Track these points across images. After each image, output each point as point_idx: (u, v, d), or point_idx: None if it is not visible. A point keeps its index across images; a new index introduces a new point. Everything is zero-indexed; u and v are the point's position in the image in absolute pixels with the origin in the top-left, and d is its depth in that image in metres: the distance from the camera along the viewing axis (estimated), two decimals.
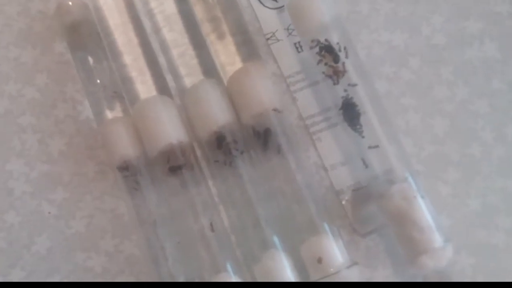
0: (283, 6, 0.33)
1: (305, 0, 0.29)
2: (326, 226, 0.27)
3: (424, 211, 0.26)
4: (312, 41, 0.29)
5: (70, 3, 0.32)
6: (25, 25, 0.33)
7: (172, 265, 0.28)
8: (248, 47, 0.31)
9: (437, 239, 0.26)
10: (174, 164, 0.29)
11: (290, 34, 0.32)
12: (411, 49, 0.32)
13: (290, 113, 0.31)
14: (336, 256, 0.27)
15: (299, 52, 0.32)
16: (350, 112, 0.28)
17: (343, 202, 0.30)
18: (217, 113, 0.29)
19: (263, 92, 0.29)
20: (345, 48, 0.28)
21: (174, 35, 0.32)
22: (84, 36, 0.31)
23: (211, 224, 0.28)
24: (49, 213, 0.30)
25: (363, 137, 0.28)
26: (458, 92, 0.31)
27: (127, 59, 0.31)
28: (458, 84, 0.31)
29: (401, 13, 0.32)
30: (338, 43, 0.29)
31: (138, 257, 0.29)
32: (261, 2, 0.33)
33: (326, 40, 0.29)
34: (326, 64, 0.29)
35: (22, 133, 0.31)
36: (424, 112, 0.31)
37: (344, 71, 0.29)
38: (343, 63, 0.28)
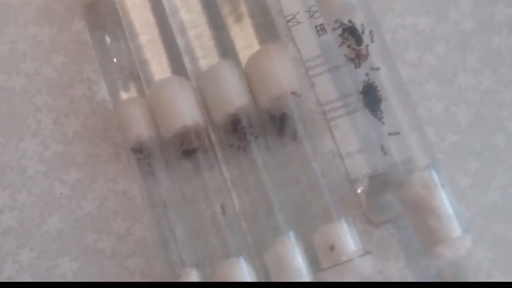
0: None
1: None
2: (339, 214, 0.27)
3: (444, 200, 0.25)
4: (336, 21, 0.28)
5: None
6: (43, 3, 0.33)
7: (182, 249, 0.28)
8: (268, 29, 0.30)
9: (456, 229, 0.25)
10: (188, 147, 0.28)
11: (311, 16, 0.31)
12: (437, 34, 0.31)
13: (308, 98, 0.30)
14: (349, 244, 0.26)
15: (320, 35, 0.31)
16: (371, 97, 0.27)
17: (358, 191, 0.29)
18: (233, 96, 0.28)
19: (282, 75, 0.28)
20: (370, 32, 0.27)
21: (192, 15, 0.31)
22: (103, 15, 0.31)
23: (222, 207, 0.27)
24: (61, 193, 0.30)
25: (383, 123, 0.27)
26: (483, 80, 0.30)
27: (144, 39, 0.31)
28: (484, 72, 0.30)
29: None
30: (362, 25, 0.28)
31: (149, 240, 0.29)
32: None
33: (349, 21, 0.28)
34: (349, 46, 0.28)
35: (37, 112, 0.31)
36: (447, 100, 0.30)
37: (367, 54, 0.28)
38: (366, 46, 0.27)
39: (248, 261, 0.27)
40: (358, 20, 0.27)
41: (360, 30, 0.27)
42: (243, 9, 0.30)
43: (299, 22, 0.32)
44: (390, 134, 0.27)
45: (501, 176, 0.29)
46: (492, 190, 0.29)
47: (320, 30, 0.31)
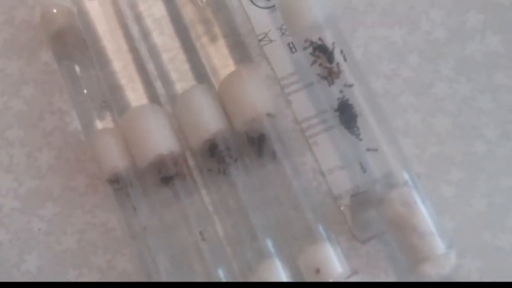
0: (274, 5, 0.31)
1: None
2: (324, 234, 0.26)
3: (425, 217, 0.25)
4: (305, 41, 0.28)
5: (55, 10, 0.31)
6: (10, 35, 0.32)
7: (165, 279, 0.27)
8: (241, 49, 0.30)
9: (439, 246, 0.25)
10: (165, 174, 0.28)
11: (283, 34, 0.31)
12: (409, 45, 0.31)
13: (285, 117, 0.30)
14: (335, 266, 0.26)
15: (293, 52, 0.31)
16: (346, 114, 0.27)
17: (342, 208, 0.29)
18: (208, 121, 0.28)
19: (256, 97, 0.28)
20: (341, 52, 0.27)
21: (164, 39, 0.31)
22: (70, 45, 0.30)
23: (200, 233, 0.27)
24: (39, 229, 0.29)
25: (360, 139, 0.27)
26: (459, 89, 0.30)
27: (116, 66, 0.30)
28: (460, 80, 0.30)
29: (398, 7, 0.31)
30: (333, 43, 0.27)
31: (131, 273, 0.29)
32: (252, 2, 0.32)
33: (319, 39, 0.28)
34: (320, 64, 0.28)
35: (9, 147, 0.30)
36: (424, 111, 0.30)
37: (339, 72, 0.27)
38: (338, 63, 0.27)
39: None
40: (329, 38, 0.27)
41: (330, 48, 0.27)
42: (216, 30, 0.30)
43: (271, 41, 0.31)
44: (368, 150, 0.27)
45: (484, 184, 0.29)
46: (477, 199, 0.29)
47: (292, 47, 0.31)
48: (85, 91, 0.29)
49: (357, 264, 0.27)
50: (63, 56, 0.30)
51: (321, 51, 0.27)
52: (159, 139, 0.28)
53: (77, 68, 0.30)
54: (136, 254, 0.28)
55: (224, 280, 0.27)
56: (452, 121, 0.30)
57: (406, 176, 0.26)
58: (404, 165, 0.26)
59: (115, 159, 0.28)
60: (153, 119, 0.28)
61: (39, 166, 0.30)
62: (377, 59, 0.30)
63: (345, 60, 0.27)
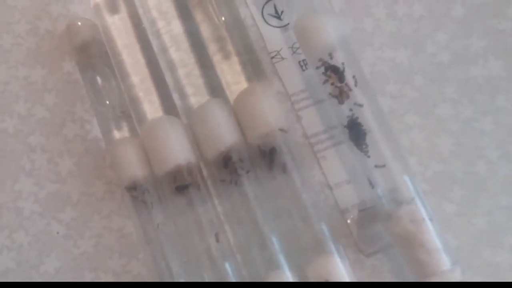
0: (287, 24, 0.33)
1: (312, 21, 0.29)
2: (332, 246, 0.28)
3: (432, 234, 0.26)
4: (319, 60, 0.29)
5: (80, 23, 0.32)
6: (34, 44, 0.33)
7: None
8: (254, 66, 0.31)
9: (445, 262, 0.26)
10: (181, 183, 0.29)
11: (294, 52, 0.33)
12: (415, 67, 0.32)
13: (295, 132, 0.31)
14: (343, 278, 0.27)
15: (303, 70, 0.32)
16: (355, 132, 0.29)
17: (348, 221, 0.30)
18: (224, 134, 0.29)
19: (269, 113, 0.29)
20: (354, 77, 0.28)
21: (181, 54, 0.32)
22: (93, 56, 0.32)
23: (216, 235, 0.28)
24: (58, 233, 0.30)
25: (368, 156, 0.28)
26: (462, 110, 0.31)
27: (134, 79, 0.31)
28: (463, 102, 0.32)
29: (405, 30, 0.33)
30: (343, 64, 0.29)
31: (146, 277, 0.30)
32: (265, 21, 0.33)
33: (329, 55, 0.29)
34: (332, 84, 0.29)
35: (31, 152, 0.32)
36: (428, 131, 0.31)
37: (349, 91, 0.29)
38: (347, 84, 0.29)
39: None
40: (339, 58, 0.29)
41: (341, 68, 0.29)
42: (230, 47, 0.31)
43: (283, 58, 0.33)
44: (376, 166, 0.28)
45: (485, 202, 0.30)
46: (478, 217, 0.30)
47: (303, 65, 0.32)
48: (107, 102, 0.31)
49: (362, 277, 0.28)
50: (87, 67, 0.31)
51: (333, 71, 0.29)
52: (177, 150, 0.29)
53: (98, 79, 0.31)
54: (151, 259, 0.29)
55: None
56: (455, 141, 0.31)
57: (413, 192, 0.27)
58: (411, 182, 0.28)
59: (134, 168, 0.29)
60: (171, 130, 0.29)
61: (59, 171, 0.31)
62: (384, 79, 0.32)
63: (355, 85, 0.28)
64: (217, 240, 0.28)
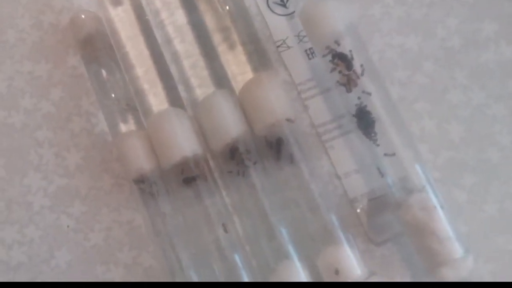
0: (293, 12, 0.32)
1: (318, 8, 0.29)
2: (341, 236, 0.27)
3: (444, 222, 0.26)
4: (326, 47, 0.29)
5: (83, 16, 0.32)
6: (38, 38, 0.33)
7: (188, 276, 0.28)
8: (259, 56, 0.31)
9: (458, 250, 0.26)
10: (188, 175, 0.29)
11: (300, 41, 0.32)
12: (425, 52, 0.31)
13: (302, 121, 0.31)
14: (354, 267, 0.27)
15: (310, 59, 0.32)
16: (364, 120, 0.28)
17: (358, 211, 0.30)
18: (230, 125, 0.29)
19: (276, 103, 0.29)
20: (361, 66, 0.28)
21: (186, 46, 0.32)
22: (98, 49, 0.31)
23: (223, 225, 0.28)
24: (68, 226, 0.31)
25: (377, 145, 0.28)
26: (473, 96, 0.31)
27: (139, 71, 0.31)
28: (474, 88, 0.31)
29: (414, 15, 0.32)
30: (350, 51, 0.28)
31: (156, 269, 0.30)
32: (270, 9, 0.33)
33: (336, 42, 0.28)
34: (340, 72, 0.28)
35: (38, 147, 0.32)
36: (439, 118, 0.31)
37: (357, 79, 0.28)
38: (355, 72, 0.28)
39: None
40: (346, 45, 0.28)
41: (349, 56, 0.28)
42: (235, 37, 0.31)
43: (289, 47, 0.32)
44: (385, 155, 0.27)
45: (496, 190, 0.29)
46: (489, 204, 0.29)
47: (310, 54, 0.32)
48: (112, 95, 0.31)
49: (373, 266, 0.28)
50: (91, 60, 0.31)
51: (340, 59, 0.28)
52: (184, 142, 0.29)
53: (104, 72, 0.31)
54: (160, 252, 0.29)
55: (244, 278, 0.28)
56: (466, 127, 0.30)
57: (423, 180, 0.27)
58: (422, 171, 0.27)
59: (141, 161, 0.29)
60: (177, 122, 0.29)
61: (67, 166, 0.31)
62: (392, 66, 0.31)
63: (363, 73, 0.28)
64: (225, 231, 0.28)
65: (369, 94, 0.28)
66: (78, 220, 0.31)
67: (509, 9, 0.31)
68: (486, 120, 0.30)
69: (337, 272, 0.26)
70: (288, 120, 0.29)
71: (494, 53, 0.31)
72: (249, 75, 0.30)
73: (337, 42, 0.28)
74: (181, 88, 0.31)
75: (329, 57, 0.29)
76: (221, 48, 0.31)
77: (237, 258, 0.28)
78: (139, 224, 0.30)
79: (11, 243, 0.31)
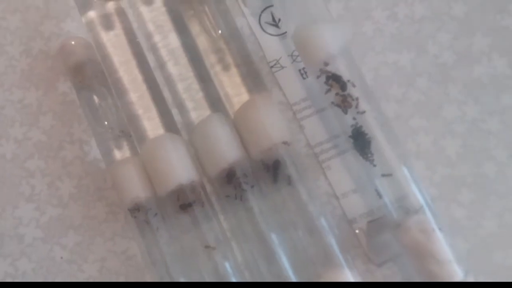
0: (285, 32, 0.32)
1: (311, 31, 0.28)
2: (341, 258, 0.27)
3: (443, 244, 0.26)
4: (319, 70, 0.28)
5: (73, 42, 0.31)
6: (28, 66, 0.33)
7: None
8: (253, 77, 0.30)
9: (457, 272, 0.26)
10: (184, 202, 0.28)
11: (294, 60, 0.32)
12: (418, 69, 0.31)
13: (298, 142, 0.31)
14: None
15: (304, 78, 0.32)
16: (360, 141, 0.28)
17: (357, 231, 0.29)
18: (226, 150, 0.28)
19: (272, 127, 0.28)
20: (349, 80, 0.28)
21: (179, 69, 0.31)
22: (89, 76, 0.31)
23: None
24: (61, 258, 0.30)
25: (374, 165, 0.28)
26: (468, 111, 0.31)
27: (133, 96, 0.31)
28: (468, 103, 0.31)
29: (406, 32, 0.32)
30: (344, 72, 0.28)
31: None
32: (263, 30, 0.33)
33: (325, 64, 0.28)
34: (337, 94, 0.28)
35: (30, 177, 0.31)
36: (435, 134, 0.30)
37: (352, 100, 0.28)
38: (350, 94, 0.28)
39: None
40: (340, 66, 0.28)
41: (343, 77, 0.28)
42: (228, 58, 0.31)
43: (282, 67, 0.32)
44: (383, 175, 0.27)
45: (495, 205, 0.29)
46: (488, 220, 0.29)
47: (304, 73, 0.32)
48: (106, 122, 0.30)
49: None
50: (82, 87, 0.31)
51: (334, 80, 0.28)
52: (179, 169, 0.28)
53: (95, 99, 0.31)
54: (157, 280, 0.28)
55: None
56: (462, 143, 0.30)
57: (421, 200, 0.27)
58: (419, 190, 0.27)
59: (136, 189, 0.28)
60: (172, 149, 0.29)
61: (60, 195, 0.31)
62: (387, 83, 0.31)
63: (358, 93, 0.28)
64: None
65: (363, 112, 0.27)
66: (72, 251, 0.30)
67: (500, 22, 0.31)
68: (482, 135, 0.30)
69: None
70: (284, 143, 0.28)
71: (487, 66, 0.31)
72: (244, 96, 0.30)
73: (330, 64, 0.28)
74: (175, 112, 0.31)
75: (323, 79, 0.28)
76: (215, 70, 0.31)
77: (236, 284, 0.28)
78: (134, 253, 0.30)
79: (3, 277, 0.30)
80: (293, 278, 0.27)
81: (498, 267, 0.29)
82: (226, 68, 0.31)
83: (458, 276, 0.25)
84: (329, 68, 0.28)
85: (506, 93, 0.31)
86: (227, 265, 0.28)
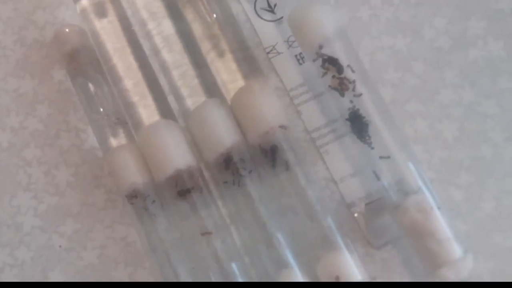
0: (281, 18, 0.32)
1: (305, 13, 0.28)
2: (340, 241, 0.27)
3: (441, 223, 0.26)
4: (316, 53, 0.28)
5: (67, 30, 0.31)
6: (22, 55, 0.33)
7: None
8: (249, 63, 0.30)
9: (457, 250, 0.26)
10: (182, 188, 0.28)
11: (290, 46, 0.32)
12: (414, 53, 0.31)
13: (295, 127, 0.31)
14: (354, 273, 0.26)
15: (300, 64, 0.32)
16: (357, 124, 0.28)
17: (355, 215, 0.29)
18: (223, 135, 0.28)
19: (268, 110, 0.28)
20: (348, 65, 0.28)
21: (174, 55, 0.31)
22: (84, 63, 0.31)
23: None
24: (60, 246, 0.30)
25: (372, 148, 0.28)
26: (464, 95, 0.31)
27: (128, 83, 0.31)
28: (464, 86, 0.31)
29: (402, 17, 0.32)
30: (340, 54, 0.28)
31: None
32: (259, 15, 0.33)
33: (320, 46, 0.28)
34: (334, 76, 0.28)
35: (27, 166, 0.31)
36: (431, 118, 0.31)
37: (349, 82, 0.28)
38: (346, 75, 0.28)
39: None
40: (336, 49, 0.28)
41: (339, 59, 0.28)
42: (224, 45, 0.31)
43: (279, 53, 0.32)
44: (380, 157, 0.27)
45: (492, 187, 0.29)
46: (486, 202, 0.29)
47: (300, 59, 0.32)
48: (101, 109, 0.30)
49: (373, 270, 0.28)
50: (77, 74, 0.31)
51: (331, 63, 0.28)
52: (176, 155, 0.28)
53: (91, 86, 0.31)
54: (157, 267, 0.28)
55: None
56: (459, 126, 0.30)
57: (419, 181, 0.27)
58: (418, 172, 0.27)
59: (133, 175, 0.28)
60: (169, 135, 0.29)
61: (57, 183, 0.31)
62: (383, 68, 0.31)
63: (353, 71, 0.28)
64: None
65: (360, 95, 0.27)
66: (71, 239, 0.30)
67: (495, 5, 0.32)
68: (478, 118, 0.30)
69: (337, 279, 0.26)
70: (281, 127, 0.28)
71: (482, 50, 0.31)
72: (240, 82, 0.30)
73: (326, 47, 0.28)
74: (171, 99, 0.31)
75: (320, 62, 0.28)
76: (211, 57, 0.31)
77: (236, 269, 0.28)
78: (134, 240, 0.30)
79: (2, 266, 0.30)
80: (293, 263, 0.27)
81: (497, 249, 0.29)
82: (221, 54, 0.31)
83: (457, 253, 0.26)
84: (325, 51, 0.28)
85: (502, 76, 0.31)
86: (226, 250, 0.28)
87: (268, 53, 0.32)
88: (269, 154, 0.29)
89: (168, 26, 0.31)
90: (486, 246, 0.29)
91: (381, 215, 0.28)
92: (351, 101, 0.28)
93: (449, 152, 0.30)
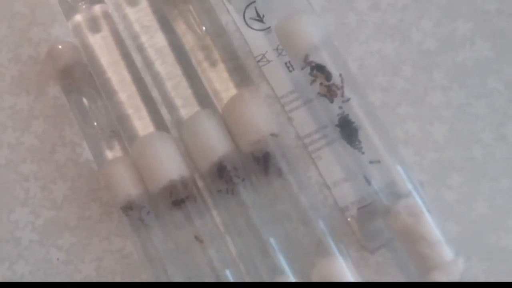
0: (270, 27, 0.33)
1: (291, 23, 0.29)
2: (334, 247, 0.27)
3: (432, 226, 0.26)
4: (303, 61, 0.29)
5: (60, 46, 0.32)
6: (17, 72, 0.33)
7: None
8: (240, 72, 0.31)
9: (448, 253, 0.26)
10: (176, 198, 0.29)
11: (279, 54, 0.32)
12: (402, 57, 0.32)
13: (287, 134, 0.31)
14: (348, 278, 0.26)
15: (290, 71, 0.32)
16: (347, 130, 0.28)
17: (349, 219, 0.30)
18: (215, 144, 0.29)
19: (260, 119, 0.29)
20: (340, 75, 0.28)
21: (167, 67, 0.31)
22: (77, 79, 0.31)
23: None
24: (58, 259, 0.30)
25: (362, 153, 0.28)
26: (454, 96, 0.31)
27: (122, 96, 0.31)
28: (454, 88, 0.31)
29: (389, 21, 0.32)
30: (328, 62, 0.28)
31: None
32: (248, 25, 0.33)
33: (306, 56, 0.28)
34: (321, 84, 0.28)
35: (24, 181, 0.31)
36: (422, 120, 0.31)
37: (337, 89, 0.28)
38: (335, 82, 0.28)
39: None
40: (323, 57, 0.28)
41: (327, 67, 0.28)
42: (215, 55, 0.31)
43: (268, 61, 0.32)
44: (371, 162, 0.28)
45: (484, 187, 0.30)
46: (479, 202, 0.29)
47: (290, 66, 0.32)
48: (95, 123, 0.30)
49: (368, 274, 0.28)
50: (71, 90, 0.31)
51: (319, 70, 0.29)
52: (169, 166, 0.29)
53: (85, 101, 0.31)
54: (153, 278, 0.28)
55: None
56: (449, 127, 0.31)
57: (410, 185, 0.27)
58: (408, 175, 0.27)
59: (128, 187, 0.29)
60: (161, 146, 0.29)
61: (54, 198, 0.31)
62: (373, 73, 0.32)
63: (343, 82, 0.28)
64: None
65: (348, 100, 0.28)
66: (68, 252, 0.30)
67: (482, 6, 0.32)
68: (468, 118, 0.31)
69: None
70: (273, 135, 0.29)
71: (470, 51, 0.31)
72: (232, 91, 0.30)
73: (313, 55, 0.28)
74: (164, 111, 0.31)
75: (308, 70, 0.29)
76: (203, 67, 0.31)
77: (231, 277, 0.28)
78: (130, 251, 0.30)
79: (1, 281, 0.30)
80: (288, 269, 0.28)
81: (490, 249, 0.29)
82: (213, 64, 0.31)
83: (449, 256, 0.26)
84: (312, 59, 0.28)
85: (491, 77, 0.31)
86: (221, 259, 0.28)
87: (258, 61, 0.32)
88: (262, 162, 0.29)
89: (160, 39, 0.32)
90: (480, 247, 0.29)
91: (373, 219, 0.28)
92: (340, 107, 0.28)
93: (440, 154, 0.30)
